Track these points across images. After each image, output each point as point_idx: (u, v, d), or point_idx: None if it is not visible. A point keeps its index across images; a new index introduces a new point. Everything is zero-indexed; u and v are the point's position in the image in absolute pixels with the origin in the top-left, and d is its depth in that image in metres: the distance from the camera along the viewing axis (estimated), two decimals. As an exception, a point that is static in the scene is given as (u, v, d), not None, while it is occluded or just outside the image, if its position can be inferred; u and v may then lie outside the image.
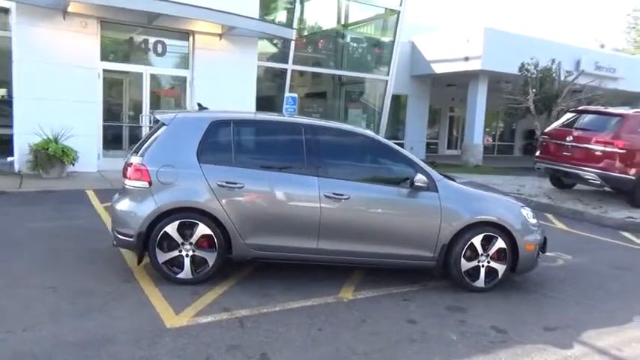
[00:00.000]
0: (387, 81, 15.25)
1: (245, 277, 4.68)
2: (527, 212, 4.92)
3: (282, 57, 13.71)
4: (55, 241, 5.52)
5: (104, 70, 10.40)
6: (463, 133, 25.38)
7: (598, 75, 12.37)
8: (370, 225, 4.57)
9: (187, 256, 4.37)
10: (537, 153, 10.52)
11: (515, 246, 4.74)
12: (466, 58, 16.69)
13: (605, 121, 9.46)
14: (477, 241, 4.66)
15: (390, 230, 4.60)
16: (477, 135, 17.67)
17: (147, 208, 4.29)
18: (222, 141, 4.54)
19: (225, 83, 11.18)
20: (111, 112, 10.94)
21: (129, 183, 4.42)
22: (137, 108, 11.09)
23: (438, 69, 18.00)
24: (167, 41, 11.00)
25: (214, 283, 4.44)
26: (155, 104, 11.32)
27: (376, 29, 16.06)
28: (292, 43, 13.15)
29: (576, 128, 9.68)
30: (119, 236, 4.43)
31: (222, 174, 4.37)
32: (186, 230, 4.34)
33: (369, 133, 5.04)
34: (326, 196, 4.42)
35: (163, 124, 4.56)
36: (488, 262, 4.73)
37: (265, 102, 13.27)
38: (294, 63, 13.65)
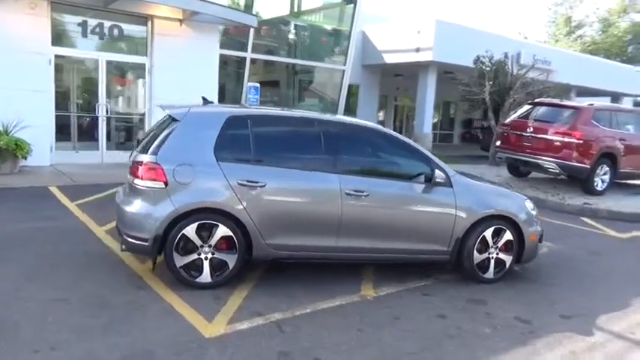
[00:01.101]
0: (343, 70, 15.26)
1: (261, 279, 4.53)
2: (529, 204, 5.11)
3: (240, 45, 13.31)
4: (38, 245, 5.06)
5: (56, 56, 9.62)
6: (407, 122, 26.09)
7: (536, 67, 13.04)
8: (388, 221, 4.57)
9: (206, 259, 4.17)
10: (498, 143, 10.98)
11: (521, 237, 4.93)
12: (417, 49, 17.02)
13: (562, 113, 10.02)
14: (488, 233, 4.79)
15: (408, 226, 4.62)
16: (426, 124, 18.15)
17: (164, 210, 4.04)
18: (239, 138, 4.34)
19: (186, 71, 10.70)
20: (63, 102, 10.19)
21: (141, 183, 4.12)
22: (92, 97, 10.37)
23: (390, 59, 18.26)
24: (124, 26, 10.34)
25: (232, 286, 4.27)
26: (111, 93, 10.65)
27: (333, 19, 15.97)
28: (251, 31, 12.81)
29: (535, 120, 10.19)
30: (131, 240, 4.14)
31: (243, 172, 4.18)
32: (205, 232, 4.13)
33: (383, 128, 5.02)
34: (347, 194, 4.36)
35: (174, 120, 4.29)
36: (497, 254, 4.89)
37: (222, 91, 12.86)
38: (252, 51, 13.31)
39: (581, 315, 4.32)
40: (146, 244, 4.07)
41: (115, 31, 10.26)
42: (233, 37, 12.96)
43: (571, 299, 4.70)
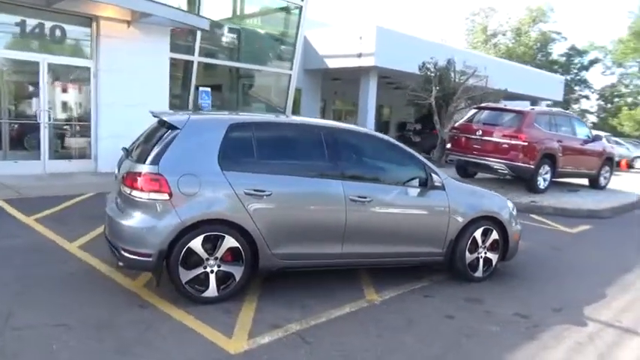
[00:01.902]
0: (290, 75, 15.23)
1: (263, 289, 4.42)
2: (510, 204, 5.38)
3: (185, 48, 12.90)
4: (12, 267, 4.59)
5: (-8, 58, 8.85)
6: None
7: (475, 74, 13.80)
8: (390, 226, 4.63)
9: (212, 272, 4.01)
10: (449, 146, 11.43)
11: (505, 236, 5.17)
12: (359, 55, 17.35)
13: (507, 117, 10.63)
14: (477, 234, 4.99)
15: (407, 230, 4.72)
16: (368, 127, 18.51)
17: (169, 223, 3.84)
18: (242, 145, 4.21)
19: (135, 75, 10.24)
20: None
21: (141, 195, 3.88)
22: (32, 102, 9.62)
23: (332, 64, 18.46)
24: (67, 27, 9.68)
25: (238, 298, 4.14)
26: (54, 98, 9.95)
27: (279, 23, 15.89)
28: (199, 34, 12.47)
29: (484, 123, 10.73)
30: (131, 256, 3.88)
31: (248, 181, 4.07)
32: (210, 244, 3.97)
33: (381, 134, 5.07)
34: (351, 200, 4.37)
35: (172, 128, 4.09)
36: (485, 253, 5.10)
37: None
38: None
39: (569, 307, 4.60)
40: (150, 259, 3.84)
41: (58, 32, 9.59)
42: (178, 39, 12.52)
43: (554, 293, 4.98)
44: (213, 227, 3.96)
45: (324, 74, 20.27)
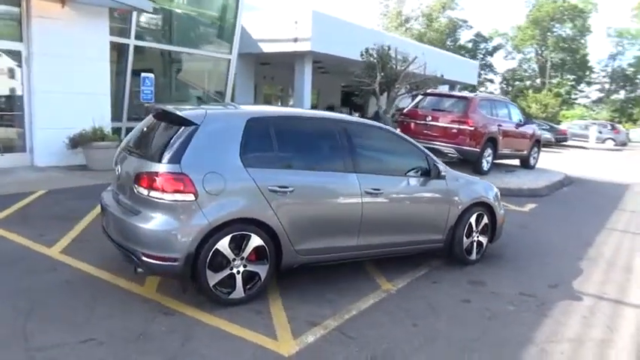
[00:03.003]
0: (229, 60, 14.78)
1: (281, 287, 4.31)
2: (496, 190, 5.68)
3: (119, 30, 12.05)
4: (-9, 279, 4.15)
5: None
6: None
7: (406, 59, 14.26)
8: (399, 216, 4.73)
9: (238, 272, 3.87)
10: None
11: (494, 220, 5.47)
12: (295, 39, 17.20)
13: (454, 102, 11.14)
14: (472, 219, 5.23)
15: (414, 219, 4.84)
16: (305, 113, 18.52)
17: (196, 225, 3.64)
18: (262, 141, 4.06)
19: (72, 60, 9.45)
20: None
21: (161, 196, 3.64)
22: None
23: (267, 48, 18.15)
24: (-7, 6, 8.69)
25: (261, 298, 4.03)
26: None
27: (217, 5, 15.27)
28: (134, 15, 11.69)
29: (432, 109, 11.14)
30: (154, 262, 3.64)
31: (272, 177, 3.95)
32: (237, 244, 3.82)
33: (388, 126, 5.10)
34: (366, 192, 4.40)
35: (189, 123, 3.84)
36: (478, 237, 5.36)
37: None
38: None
39: (561, 284, 4.97)
40: (176, 264, 3.63)
41: (-18, 11, 8.57)
42: (111, 21, 11.66)
43: (541, 271, 5.36)
44: (239, 227, 3.81)
45: (258, 59, 19.90)
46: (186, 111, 3.98)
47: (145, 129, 4.37)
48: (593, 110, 59.28)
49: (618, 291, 4.90)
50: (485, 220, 5.37)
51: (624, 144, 29.51)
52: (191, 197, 3.63)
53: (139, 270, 3.77)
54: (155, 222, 3.66)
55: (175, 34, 14.17)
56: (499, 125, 11.39)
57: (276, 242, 3.99)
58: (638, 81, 59.00)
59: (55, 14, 9.27)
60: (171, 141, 3.80)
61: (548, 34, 59.35)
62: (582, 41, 59.28)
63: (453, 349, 3.51)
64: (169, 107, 4.19)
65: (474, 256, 5.34)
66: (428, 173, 4.89)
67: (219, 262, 3.77)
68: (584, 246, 6.46)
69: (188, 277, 3.71)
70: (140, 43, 12.44)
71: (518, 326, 3.94)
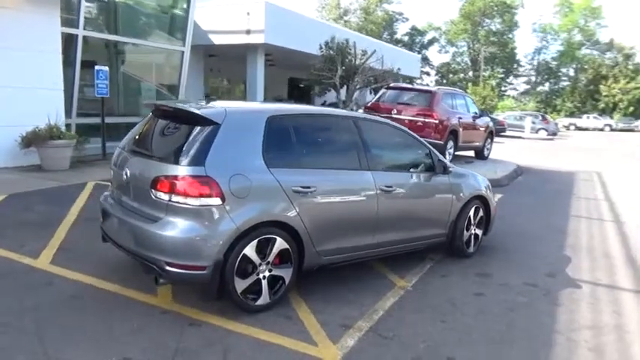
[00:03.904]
0: (182, 52, 14.21)
1: (298, 289, 4.19)
2: (488, 182, 5.83)
3: (65, 20, 11.25)
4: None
5: None
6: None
7: (365, 52, 14.38)
8: (410, 212, 4.74)
9: (264, 278, 3.73)
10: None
11: (488, 212, 5.62)
12: (248, 31, 16.84)
13: (418, 96, 11.33)
14: (471, 213, 5.34)
15: (423, 214, 4.88)
16: (259, 106, 18.24)
17: (223, 230, 3.45)
18: (282, 139, 3.92)
19: (22, 53, 8.75)
20: None
21: (185, 201, 3.42)
22: None
23: (218, 40, 17.64)
24: None
25: (284, 302, 3.91)
26: None
27: (168, -5, 14.62)
28: (82, 4, 10.96)
29: (398, 103, 11.27)
30: (179, 271, 3.42)
31: (294, 177, 3.82)
32: (262, 248, 3.67)
33: (395, 123, 5.07)
34: (381, 190, 4.37)
35: (208, 122, 3.62)
36: (475, 230, 5.48)
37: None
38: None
39: (557, 272, 5.18)
40: (204, 272, 3.43)
41: None
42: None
43: (534, 260, 5.55)
44: (265, 230, 3.66)
45: (207, 51, 19.31)
46: (203, 109, 3.75)
47: (149, 128, 4.09)
48: (521, 101, 62.56)
49: (608, 276, 5.18)
50: (481, 212, 5.50)
51: (555, 133, 31.37)
52: (218, 201, 3.44)
53: (161, 281, 3.54)
54: (179, 229, 3.43)
55: (125, 24, 13.44)
56: (459, 118, 11.74)
57: (299, 244, 3.87)
58: (560, 74, 62.93)
59: (3, 2, 8.50)
60: (191, 141, 3.57)
61: (479, 28, 61.91)
62: (510, 36, 62.33)
63: (489, 342, 3.56)
64: (179, 104, 3.95)
65: (471, 249, 5.45)
66: (432, 169, 4.92)
67: (247, 267, 3.61)
68: (560, 234, 6.79)
69: (217, 286, 3.52)
70: (89, 34, 11.70)
71: (538, 317, 4.06)
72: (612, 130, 46.94)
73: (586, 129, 46.46)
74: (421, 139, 5.07)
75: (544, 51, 64.03)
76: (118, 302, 3.81)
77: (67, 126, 10.50)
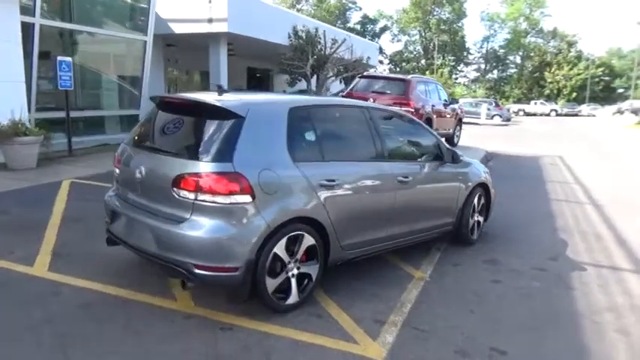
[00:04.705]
0: (145, 41, 13.61)
1: (321, 286, 4.09)
2: (486, 169, 5.88)
3: (22, 8, 10.50)
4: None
5: None
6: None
7: (336, 41, 14.27)
8: (424, 202, 4.71)
9: (293, 276, 3.59)
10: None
11: (488, 199, 5.67)
12: (210, 20, 16.35)
13: (393, 85, 11.32)
14: (475, 200, 5.37)
15: (435, 204, 4.86)
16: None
17: (255, 228, 3.29)
18: (304, 132, 3.77)
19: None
20: None
21: (214, 199, 3.22)
22: None
23: (178, 29, 17.02)
24: None
25: (309, 300, 3.78)
26: None
27: (128, -19, 13.92)
28: (40, -9, 10.28)
29: (373, 92, 11.23)
30: (209, 273, 3.23)
31: (319, 171, 3.69)
32: (291, 246, 3.53)
33: (406, 113, 4.98)
34: (398, 181, 4.30)
35: (231, 115, 3.42)
36: (477, 217, 5.53)
37: None
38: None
39: (559, 256, 5.30)
40: (236, 273, 3.26)
41: None
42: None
43: (534, 244, 5.67)
44: (294, 227, 3.51)
45: (163, 40, 18.61)
46: (224, 102, 3.53)
47: (159, 122, 3.84)
48: (471, 89, 64.31)
49: (606, 258, 5.35)
50: (483, 199, 5.55)
51: (509, 119, 32.42)
52: (248, 198, 3.26)
53: (189, 285, 3.34)
54: (208, 229, 3.23)
55: (83, 12, 12.73)
56: (433, 105, 11.85)
57: (324, 240, 3.75)
58: (508, 61, 65.02)
59: (-46, -13, 7.82)
60: (214, 136, 3.37)
61: (430, 17, 62.92)
62: (460, 24, 63.75)
63: (521, 330, 3.57)
64: (197, 97, 3.71)
65: (475, 236, 5.49)
66: (440, 157, 4.90)
67: (277, 266, 3.46)
68: (548, 217, 6.98)
69: (249, 287, 3.35)
70: (46, 23, 11.00)
71: (556, 301, 4.13)
72: (558, 114, 49.07)
73: (534, 114, 48.31)
74: (429, 128, 5.03)
75: (492, 39, 65.94)
76: (134, 309, 3.57)
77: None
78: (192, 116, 3.64)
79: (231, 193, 3.23)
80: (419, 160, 4.74)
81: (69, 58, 9.93)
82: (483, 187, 5.51)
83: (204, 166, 3.25)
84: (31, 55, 10.60)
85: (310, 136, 3.80)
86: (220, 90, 3.88)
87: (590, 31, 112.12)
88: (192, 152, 3.37)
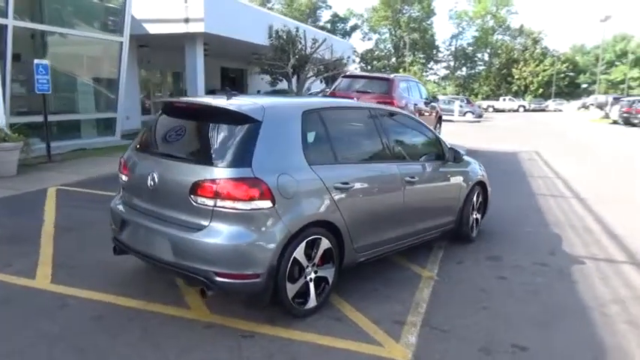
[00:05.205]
0: (121, 43, 13.31)
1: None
2: (483, 167, 5.96)
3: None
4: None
5: None
6: (157, 97, 24.63)
7: (316, 41, 14.29)
8: (430, 201, 4.75)
9: (311, 280, 3.57)
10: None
11: (486, 196, 5.76)
12: (186, 20, 16.12)
13: (376, 83, 11.37)
14: (475, 198, 5.45)
15: (440, 203, 4.92)
16: (200, 97, 17.58)
17: (276, 234, 3.26)
18: (318, 134, 3.74)
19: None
20: None
21: (234, 205, 3.17)
22: None
23: (153, 29, 16.72)
24: None
25: (326, 304, 3.77)
26: None
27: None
28: (11, -9, 9.93)
29: (357, 91, 11.26)
30: (233, 281, 3.19)
31: (333, 173, 3.68)
32: (309, 250, 3.51)
33: (408, 113, 4.99)
34: (406, 182, 4.33)
35: (246, 120, 3.37)
36: (476, 215, 5.60)
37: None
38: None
39: (555, 250, 5.41)
40: (258, 280, 3.22)
41: None
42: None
43: (530, 239, 5.77)
44: (312, 231, 3.49)
45: (137, 41, 18.25)
46: (239, 106, 3.48)
47: (169, 127, 3.76)
48: (441, 86, 65.23)
49: (600, 250, 5.50)
50: (481, 197, 5.63)
51: (480, 115, 33.02)
52: (269, 204, 3.22)
53: (209, 293, 3.27)
54: (229, 236, 3.18)
55: (57, 13, 12.36)
56: (415, 104, 11.95)
57: (339, 242, 3.74)
58: (476, 59, 66.19)
59: None
60: (231, 141, 3.32)
61: (400, 15, 63.50)
62: (429, 22, 64.55)
63: (535, 325, 3.63)
64: (210, 101, 3.65)
65: (474, 233, 5.57)
66: (442, 157, 4.95)
67: (296, 271, 3.44)
68: (538, 212, 7.13)
69: (270, 293, 3.31)
70: (20, 24, 10.65)
71: (563, 295, 4.22)
72: (526, 110, 50.24)
73: (503, 110, 49.34)
74: (431, 127, 5.07)
75: (461, 37, 67.01)
76: (149, 319, 3.49)
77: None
78: (205, 121, 3.56)
79: (251, 198, 3.18)
80: (423, 159, 4.77)
81: (46, 61, 9.62)
82: (481, 184, 5.59)
83: (223, 172, 3.20)
84: (4, 57, 10.28)
85: (323, 138, 3.78)
86: (229, 94, 3.82)
87: (555, 27, 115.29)
88: (209, 158, 3.31)
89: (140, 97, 19.96)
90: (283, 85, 15.56)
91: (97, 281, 4.06)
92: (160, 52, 20.90)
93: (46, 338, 3.19)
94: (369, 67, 63.24)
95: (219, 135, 3.40)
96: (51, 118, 11.07)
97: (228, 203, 3.17)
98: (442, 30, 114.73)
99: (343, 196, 3.69)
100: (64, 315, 3.53)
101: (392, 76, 11.72)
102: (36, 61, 9.44)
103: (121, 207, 3.83)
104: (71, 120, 12.71)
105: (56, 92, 12.88)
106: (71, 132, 12.55)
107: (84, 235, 5.21)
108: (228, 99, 3.70)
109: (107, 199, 4.24)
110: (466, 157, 5.48)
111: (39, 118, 10.16)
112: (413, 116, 5.06)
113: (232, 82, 29.84)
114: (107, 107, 13.81)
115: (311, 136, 3.66)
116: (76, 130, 12.84)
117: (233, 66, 28.77)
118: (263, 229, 3.23)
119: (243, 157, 3.24)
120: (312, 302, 3.58)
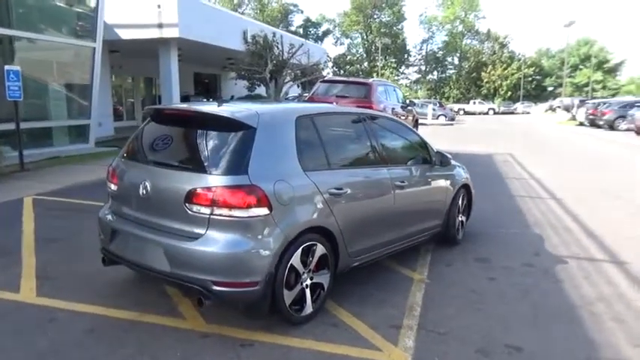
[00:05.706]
0: (94, 48, 13.05)
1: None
2: (466, 169, 6.06)
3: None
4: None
5: None
6: (132, 104, 24.31)
7: (293, 46, 14.31)
8: (419, 205, 4.80)
9: (307, 286, 3.56)
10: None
11: (470, 199, 5.85)
12: (160, 25, 15.94)
13: (355, 88, 11.43)
14: (460, 201, 5.53)
15: (428, 206, 4.97)
16: (175, 100, 17.37)
17: (274, 241, 3.24)
18: (310, 140, 3.73)
19: None
20: None
21: (231, 213, 3.14)
22: None
23: (125, 35, 16.48)
24: None
25: (322, 310, 3.76)
26: None
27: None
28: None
29: (336, 96, 11.29)
30: (230, 290, 3.16)
31: (327, 179, 3.69)
32: (304, 256, 3.50)
33: (396, 117, 5.03)
34: (396, 186, 4.36)
35: (241, 126, 3.35)
36: (461, 217, 5.69)
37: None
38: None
39: (540, 251, 5.52)
40: (256, 288, 3.19)
41: None
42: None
43: (515, 241, 5.88)
44: (308, 237, 3.48)
45: (108, 46, 17.92)
46: (235, 112, 3.45)
47: (159, 135, 3.70)
48: (413, 89, 66.04)
49: (581, 250, 5.64)
50: (465, 200, 5.72)
51: (453, 119, 33.56)
52: (266, 211, 3.20)
53: (206, 302, 3.22)
54: (227, 244, 3.15)
55: (25, 17, 12.02)
56: (393, 108, 12.07)
57: (334, 248, 3.75)
58: (447, 63, 67.30)
59: None
60: (226, 148, 3.30)
61: (371, 20, 64.09)
62: (400, 27, 65.35)
63: (528, 326, 3.69)
64: (203, 108, 3.61)
65: (460, 235, 5.65)
66: (429, 161, 5.01)
67: (293, 278, 3.42)
68: (518, 213, 7.28)
69: (269, 301, 3.28)
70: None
71: (552, 295, 4.30)
72: (495, 113, 51.30)
73: (473, 113, 50.26)
74: (417, 132, 5.12)
75: (431, 41, 68.03)
76: (144, 331, 3.42)
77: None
78: (198, 128, 3.52)
79: (249, 206, 3.15)
80: (410, 163, 4.81)
81: (17, 67, 9.35)
82: (465, 187, 5.68)
83: (219, 180, 3.16)
84: (-28, 63, 9.94)
85: (317, 143, 3.78)
86: (220, 101, 3.79)
87: (521, 32, 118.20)
88: (204, 166, 3.28)
89: (112, 103, 19.55)
90: (260, 90, 15.52)
91: (85, 293, 3.96)
92: (131, 58, 20.61)
93: (40, 353, 3.09)
94: (342, 72, 63.54)
95: (213, 142, 3.37)
96: (23, 125, 10.74)
97: (225, 211, 3.14)
98: (413, 35, 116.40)
99: (337, 201, 3.70)
100: (54, 329, 3.42)
101: (370, 80, 11.82)
102: (6, 67, 9.17)
103: (110, 217, 3.75)
104: (43, 127, 12.37)
105: (27, 99, 12.54)
106: (43, 140, 12.22)
107: (66, 245, 5.08)
108: (219, 105, 3.67)
109: (85, 208, 4.15)
110: (452, 161, 5.55)
111: (10, 126, 9.87)
112: (401, 121, 5.11)
113: (206, 87, 29.62)
114: (80, 114, 13.51)
115: (304, 142, 3.65)
116: (49, 137, 12.51)
117: (207, 71, 28.57)
118: (260, 236, 3.20)
119: (239, 164, 3.21)
120: (308, 309, 3.57)
